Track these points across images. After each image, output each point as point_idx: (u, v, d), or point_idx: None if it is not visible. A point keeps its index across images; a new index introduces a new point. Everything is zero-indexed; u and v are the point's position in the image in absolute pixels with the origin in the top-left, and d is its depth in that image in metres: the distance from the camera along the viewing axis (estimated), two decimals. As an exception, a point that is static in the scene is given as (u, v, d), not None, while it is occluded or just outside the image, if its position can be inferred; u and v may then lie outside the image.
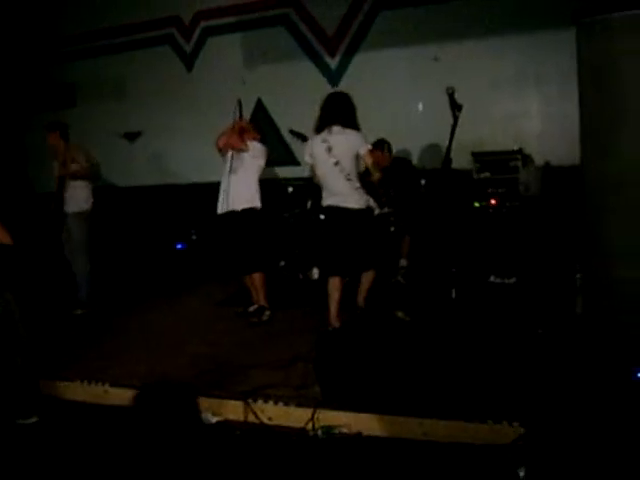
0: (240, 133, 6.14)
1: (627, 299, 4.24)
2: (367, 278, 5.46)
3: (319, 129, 5.29)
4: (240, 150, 6.11)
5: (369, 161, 5.22)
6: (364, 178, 5.40)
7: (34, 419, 4.52)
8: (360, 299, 5.49)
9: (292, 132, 6.53)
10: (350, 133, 5.18)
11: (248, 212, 6.15)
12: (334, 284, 5.40)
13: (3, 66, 9.59)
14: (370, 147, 5.27)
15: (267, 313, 6.23)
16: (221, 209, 6.21)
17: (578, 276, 4.93)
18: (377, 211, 5.53)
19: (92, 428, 4.45)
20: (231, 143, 6.12)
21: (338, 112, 5.21)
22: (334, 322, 5.33)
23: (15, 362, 4.59)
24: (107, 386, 4.89)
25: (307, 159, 5.46)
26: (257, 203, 6.19)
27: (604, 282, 4.49)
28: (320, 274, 6.87)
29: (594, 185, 4.45)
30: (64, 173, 6.77)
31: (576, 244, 4.75)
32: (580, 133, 4.49)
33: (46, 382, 4.99)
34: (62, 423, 4.56)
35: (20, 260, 5.04)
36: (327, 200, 5.38)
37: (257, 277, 6.23)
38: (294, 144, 8.12)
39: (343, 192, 5.20)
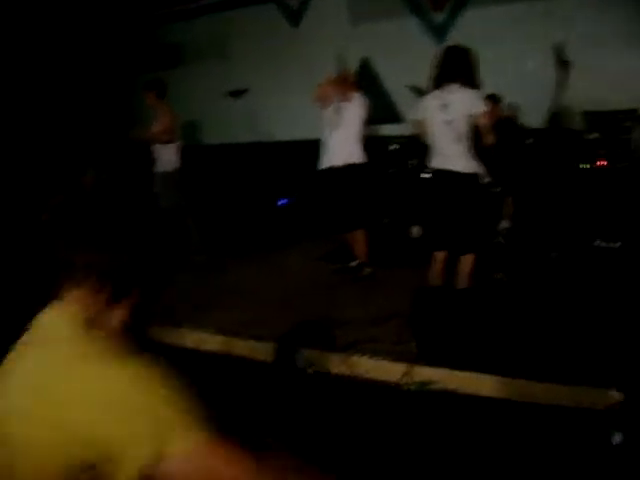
0: (342, 83, 6.10)
1: None
2: (466, 263, 5.09)
3: (436, 85, 5.01)
4: (342, 99, 6.06)
5: (483, 123, 4.90)
6: (477, 142, 5.08)
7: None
8: (463, 283, 5.10)
9: (409, 87, 6.30)
10: (468, 92, 4.87)
11: (349, 168, 6.11)
12: (438, 258, 5.23)
13: (108, 28, 9.91)
14: (487, 109, 4.93)
15: (367, 270, 6.30)
16: (322, 165, 6.25)
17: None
18: (486, 179, 5.17)
19: (196, 374, 4.70)
20: (332, 91, 6.07)
21: (456, 68, 4.89)
22: None
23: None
24: (210, 333, 5.14)
25: (416, 115, 5.20)
26: (359, 158, 6.13)
27: None
28: (422, 234, 6.88)
29: None
30: (146, 136, 6.98)
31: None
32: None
33: (152, 327, 5.29)
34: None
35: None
36: (433, 161, 5.14)
37: (359, 234, 6.29)
38: (399, 101, 8.11)
39: (451, 153, 4.95)
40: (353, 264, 6.42)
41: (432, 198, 5.28)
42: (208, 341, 5.13)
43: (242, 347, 4.96)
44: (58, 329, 1.32)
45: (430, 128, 5.07)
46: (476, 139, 5.05)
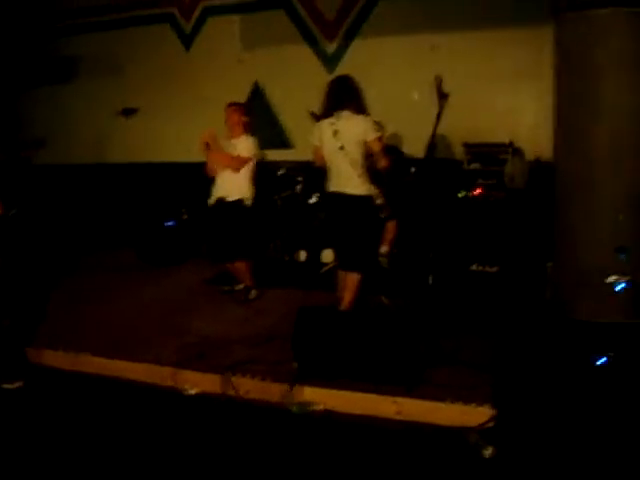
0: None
1: (587, 288, 4.43)
2: (353, 281, 5.26)
3: (326, 114, 5.22)
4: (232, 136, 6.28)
5: (377, 148, 5.13)
6: (370, 166, 5.29)
7: (19, 384, 4.66)
8: (346, 303, 5.26)
9: (313, 114, 6.39)
10: (359, 118, 5.11)
11: (236, 203, 6.22)
12: (340, 276, 5.47)
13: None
14: (379, 134, 5.20)
15: (253, 292, 6.34)
16: (212, 198, 6.33)
17: (548, 264, 5.08)
18: (379, 201, 5.34)
19: (75, 396, 4.58)
20: (216, 165, 6.26)
21: (345, 96, 5.14)
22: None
23: (2, 326, 4.75)
24: (89, 355, 5.02)
25: (315, 142, 5.35)
26: (246, 194, 6.25)
27: (568, 270, 4.68)
28: (307, 257, 6.99)
29: (564, 177, 4.64)
30: None
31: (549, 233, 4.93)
32: (554, 125, 4.64)
33: (31, 349, 5.14)
34: (46, 389, 4.69)
35: (13, 228, 5.14)
36: (330, 186, 5.33)
37: (240, 265, 6.32)
38: (288, 127, 8.21)
39: (345, 177, 5.14)
40: (240, 287, 6.46)
41: (329, 223, 5.53)
42: (86, 363, 5.01)
43: (120, 368, 4.88)
44: None
45: (326, 153, 5.26)
46: (370, 163, 5.27)
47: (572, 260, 4.67)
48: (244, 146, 6.24)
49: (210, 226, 6.53)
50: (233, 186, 6.21)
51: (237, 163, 6.17)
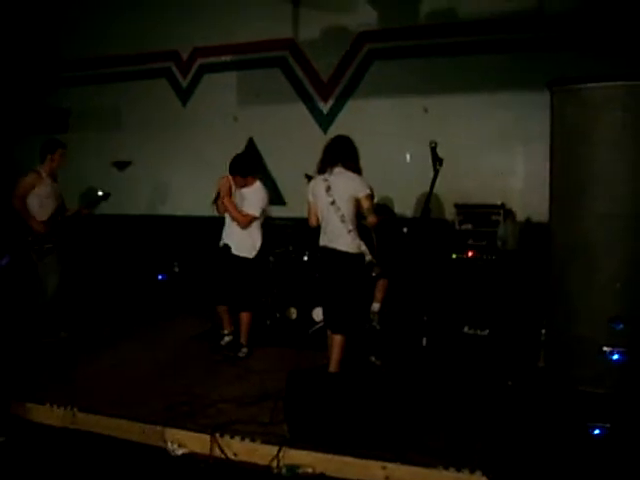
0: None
1: (583, 357, 4.42)
2: (337, 344, 5.28)
3: (322, 170, 5.34)
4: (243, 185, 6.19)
5: (366, 205, 5.21)
6: (360, 221, 5.39)
7: (1, 439, 4.57)
8: (332, 364, 5.28)
9: (307, 176, 6.45)
10: (351, 176, 5.22)
11: (242, 258, 6.22)
12: (329, 334, 5.48)
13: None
14: (369, 192, 5.27)
15: (244, 350, 6.27)
16: (222, 242, 6.32)
17: (543, 331, 5.07)
18: (368, 257, 5.36)
19: (59, 451, 4.50)
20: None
21: (341, 154, 5.27)
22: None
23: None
24: (76, 411, 4.91)
25: (310, 197, 5.48)
26: (251, 249, 6.24)
27: (564, 338, 4.67)
28: (298, 315, 6.97)
29: (560, 245, 4.66)
30: None
31: (543, 300, 4.94)
32: (550, 194, 4.69)
33: (16, 403, 5.04)
34: (29, 445, 4.60)
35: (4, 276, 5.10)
36: (321, 240, 5.41)
37: (245, 316, 6.29)
38: (281, 184, 8.26)
39: (335, 232, 5.23)
40: (223, 342, 6.45)
41: (320, 278, 5.69)
42: (74, 419, 4.91)
43: (106, 425, 4.78)
44: None
45: (319, 208, 5.37)
46: (359, 219, 5.36)
47: (567, 328, 4.67)
48: (253, 201, 6.20)
49: (217, 270, 6.46)
50: (240, 239, 6.20)
51: (244, 222, 6.14)
